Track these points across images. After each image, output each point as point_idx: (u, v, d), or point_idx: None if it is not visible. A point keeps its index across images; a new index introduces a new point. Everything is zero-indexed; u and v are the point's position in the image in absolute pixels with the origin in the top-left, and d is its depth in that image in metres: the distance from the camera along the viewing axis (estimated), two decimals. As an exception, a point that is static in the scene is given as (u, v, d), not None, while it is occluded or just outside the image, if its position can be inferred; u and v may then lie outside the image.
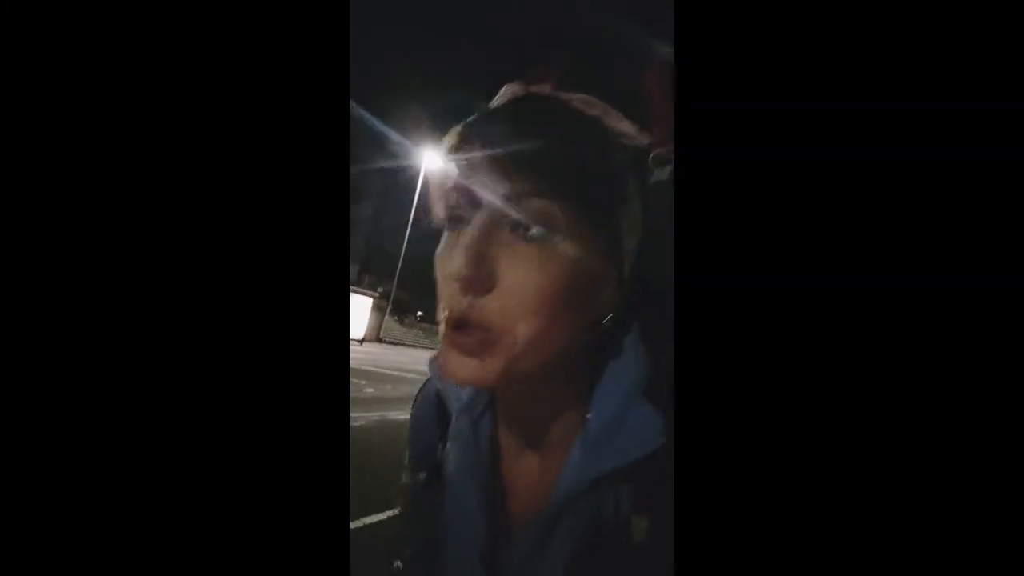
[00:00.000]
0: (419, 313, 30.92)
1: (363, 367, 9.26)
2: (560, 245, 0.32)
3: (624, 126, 0.35)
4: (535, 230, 0.32)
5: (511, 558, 0.37)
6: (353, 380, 6.56)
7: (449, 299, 0.33)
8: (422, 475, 0.44)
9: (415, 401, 0.48)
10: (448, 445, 0.43)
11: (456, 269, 0.31)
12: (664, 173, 0.36)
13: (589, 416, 0.36)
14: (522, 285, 0.32)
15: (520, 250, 0.32)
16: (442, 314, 0.34)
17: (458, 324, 0.33)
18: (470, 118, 0.36)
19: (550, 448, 0.38)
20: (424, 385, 0.48)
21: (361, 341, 19.64)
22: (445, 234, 0.35)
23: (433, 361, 0.38)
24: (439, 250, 0.35)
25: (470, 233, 0.32)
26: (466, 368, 0.33)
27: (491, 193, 0.32)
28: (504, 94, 0.38)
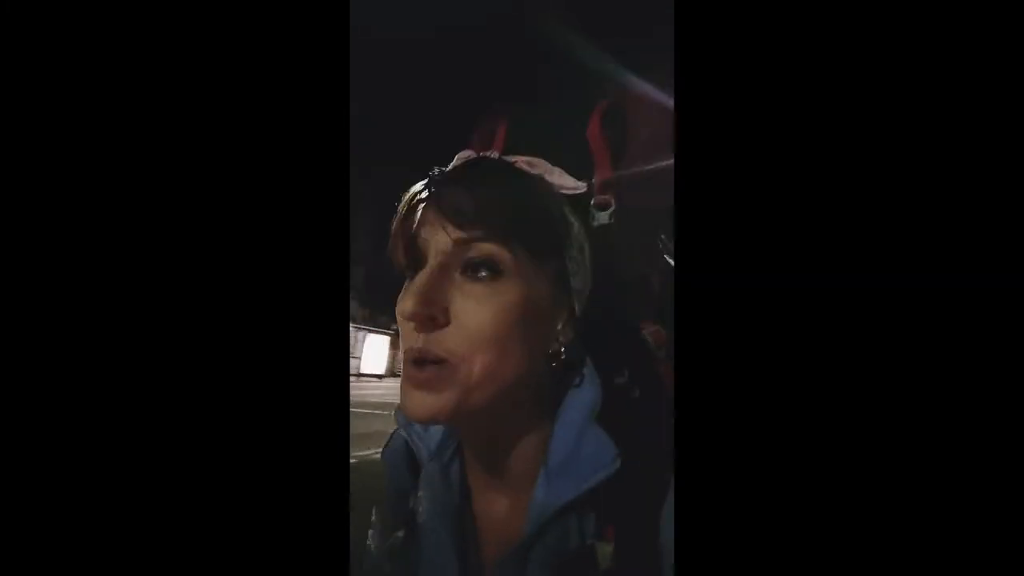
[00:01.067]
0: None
1: (386, 399, 9.33)
2: (508, 284, 0.34)
3: (565, 180, 0.39)
4: (483, 272, 0.34)
5: None
6: (377, 412, 6.65)
7: (406, 338, 0.35)
8: (400, 533, 0.43)
9: (384, 449, 0.48)
10: (420, 493, 0.43)
11: (408, 309, 0.33)
12: (605, 217, 0.40)
13: (549, 449, 0.37)
14: (474, 320, 0.34)
15: (470, 289, 0.34)
16: (402, 355, 0.36)
17: (416, 361, 0.34)
18: (423, 181, 0.38)
19: (516, 484, 0.39)
20: (391, 437, 0.48)
21: (381, 377, 19.89)
22: (406, 283, 0.37)
23: (398, 411, 0.38)
24: (399, 296, 0.36)
25: (421, 275, 0.35)
26: (424, 404, 0.34)
27: (441, 241, 0.35)
28: (458, 158, 0.40)
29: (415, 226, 0.36)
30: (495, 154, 0.40)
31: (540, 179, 0.38)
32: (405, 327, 0.35)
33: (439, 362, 0.34)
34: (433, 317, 0.34)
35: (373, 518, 0.46)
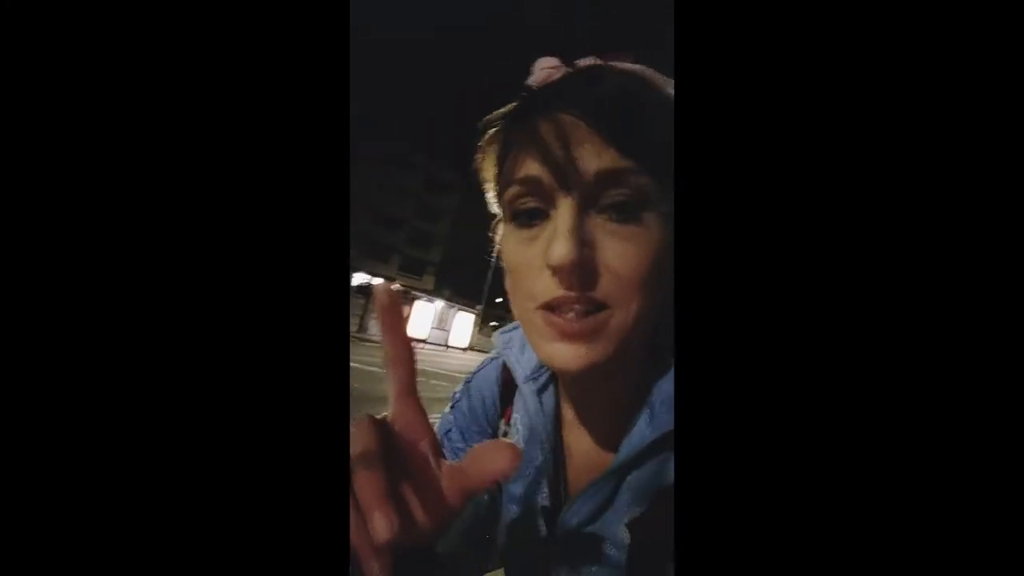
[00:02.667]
0: (492, 324, 31.41)
1: (468, 368, 9.76)
2: (652, 219, 0.31)
3: (664, 82, 0.34)
4: (631, 208, 0.31)
5: (568, 520, 0.38)
6: (459, 377, 7.01)
7: (545, 290, 0.32)
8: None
9: (473, 376, 0.49)
10: (515, 415, 0.44)
11: (563, 255, 0.30)
12: None
13: (654, 388, 0.35)
14: (625, 265, 0.31)
15: (616, 229, 0.31)
16: (533, 304, 0.33)
17: (564, 311, 0.32)
18: (507, 108, 0.35)
19: (610, 421, 0.38)
20: (482, 366, 0.49)
21: (465, 349, 21.65)
22: (512, 229, 0.34)
23: (498, 334, 0.40)
24: (509, 245, 0.34)
25: (565, 215, 0.31)
26: (578, 356, 0.32)
27: (588, 170, 0.31)
28: (541, 70, 0.36)
29: (535, 156, 0.31)
30: (592, 59, 0.35)
31: (647, 81, 0.34)
32: (539, 278, 0.32)
33: (591, 311, 0.31)
34: (586, 263, 0.31)
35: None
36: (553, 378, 0.43)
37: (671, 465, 0.34)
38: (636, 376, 0.37)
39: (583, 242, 0.31)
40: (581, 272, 0.31)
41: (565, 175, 0.31)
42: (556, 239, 0.30)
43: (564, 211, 0.31)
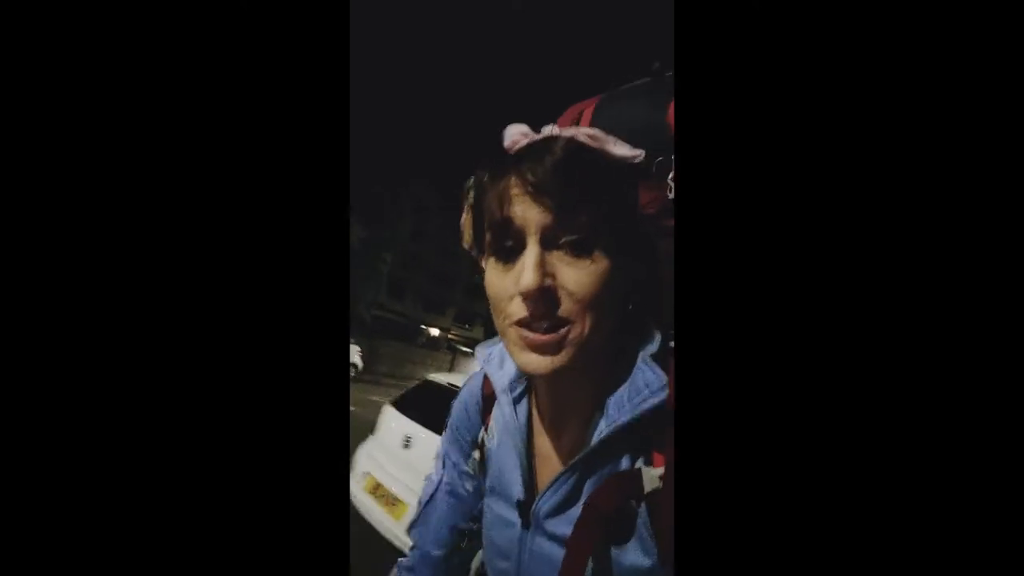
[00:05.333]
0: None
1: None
2: (599, 253, 0.39)
3: (623, 149, 0.41)
4: (578, 245, 0.38)
5: (539, 510, 0.44)
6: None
7: (517, 310, 0.39)
8: (475, 455, 0.53)
9: (462, 388, 0.58)
10: (491, 423, 0.51)
11: (531, 282, 0.37)
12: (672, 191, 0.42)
13: (611, 390, 0.42)
14: (578, 288, 0.38)
15: (571, 260, 0.39)
16: (508, 322, 0.40)
17: (532, 327, 0.39)
18: (488, 167, 0.42)
19: (577, 425, 0.45)
20: (470, 378, 0.58)
21: None
22: (493, 263, 0.42)
23: (480, 347, 0.48)
24: (490, 276, 0.41)
25: (530, 251, 0.39)
26: (543, 363, 0.39)
27: (538, 219, 0.38)
28: (511, 136, 0.43)
29: (507, 207, 0.39)
30: (554, 129, 0.42)
31: (604, 152, 0.41)
32: (511, 302, 0.39)
33: (554, 326, 0.39)
34: (547, 288, 0.38)
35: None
36: (528, 390, 0.50)
37: (625, 457, 0.41)
38: (596, 387, 0.44)
39: (545, 273, 0.38)
40: (543, 296, 0.38)
41: (528, 221, 0.39)
42: (524, 271, 0.38)
43: (530, 249, 0.39)
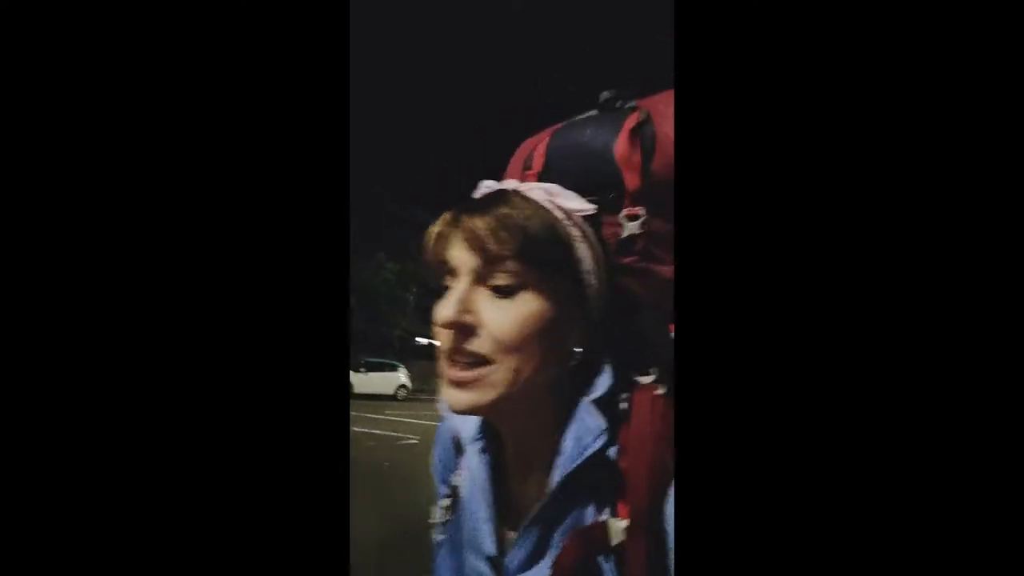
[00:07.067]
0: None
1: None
2: (527, 297, 0.40)
3: (575, 203, 0.43)
4: (505, 288, 0.40)
5: (510, 564, 0.43)
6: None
7: (443, 343, 0.41)
8: (447, 500, 0.50)
9: (438, 428, 0.55)
10: (462, 472, 0.50)
11: (445, 316, 0.39)
12: (635, 227, 0.43)
13: (565, 433, 0.42)
14: (500, 328, 0.39)
15: (496, 302, 0.40)
16: (440, 354, 0.41)
17: (453, 362, 0.40)
18: (451, 211, 0.43)
19: (541, 467, 0.43)
20: (440, 428, 0.55)
21: None
22: (441, 298, 0.42)
23: (442, 402, 0.43)
24: (437, 306, 0.41)
25: (454, 289, 0.41)
26: (460, 399, 0.40)
27: (469, 261, 0.40)
28: (480, 189, 0.47)
29: (447, 249, 0.42)
30: (512, 184, 0.46)
31: (551, 204, 0.43)
32: (443, 333, 0.41)
33: (473, 362, 0.39)
34: (466, 324, 0.39)
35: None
36: (492, 437, 0.48)
37: (590, 507, 0.40)
38: (549, 434, 0.43)
39: (464, 309, 0.39)
40: (462, 330, 0.39)
41: (463, 263, 0.41)
42: (443, 305, 0.40)
43: (459, 284, 0.41)
